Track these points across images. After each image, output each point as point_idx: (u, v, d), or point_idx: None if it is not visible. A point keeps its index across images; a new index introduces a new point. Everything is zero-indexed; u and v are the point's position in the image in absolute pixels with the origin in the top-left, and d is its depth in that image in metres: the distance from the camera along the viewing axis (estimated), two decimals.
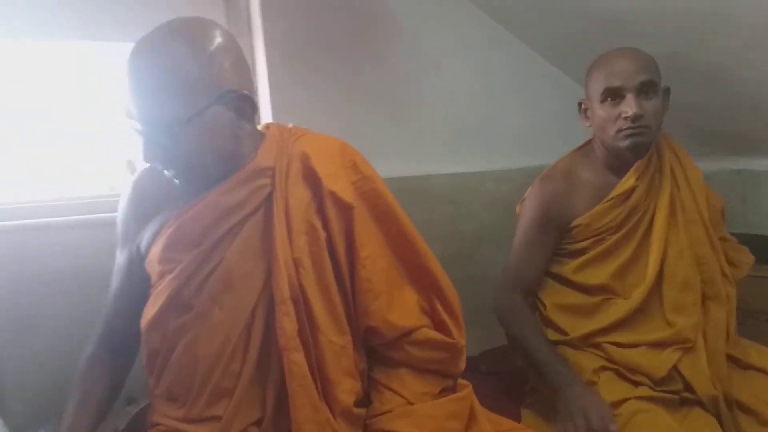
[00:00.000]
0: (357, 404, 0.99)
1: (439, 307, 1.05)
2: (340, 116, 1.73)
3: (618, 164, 1.36)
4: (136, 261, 1.04)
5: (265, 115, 1.69)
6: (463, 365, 1.06)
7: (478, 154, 1.97)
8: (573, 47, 1.89)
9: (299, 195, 0.98)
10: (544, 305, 1.40)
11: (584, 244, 1.37)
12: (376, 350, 1.04)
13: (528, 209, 1.42)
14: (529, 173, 1.57)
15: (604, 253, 1.35)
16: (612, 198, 1.34)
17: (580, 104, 1.41)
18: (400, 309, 1.01)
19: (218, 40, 0.90)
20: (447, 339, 1.03)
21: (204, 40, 0.89)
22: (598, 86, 1.31)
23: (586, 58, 1.39)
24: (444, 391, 1.03)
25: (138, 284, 1.05)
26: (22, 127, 1.53)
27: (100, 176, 1.64)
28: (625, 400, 1.20)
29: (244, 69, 0.95)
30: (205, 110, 0.88)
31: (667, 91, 1.34)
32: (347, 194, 0.99)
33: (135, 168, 1.52)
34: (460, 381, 1.08)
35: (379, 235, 1.03)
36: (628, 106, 1.26)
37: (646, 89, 1.27)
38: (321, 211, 0.99)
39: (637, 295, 1.31)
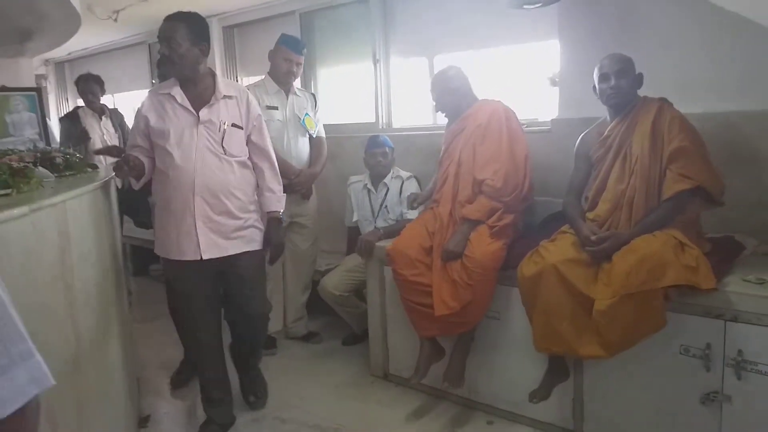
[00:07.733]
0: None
1: (504, 172, 2.47)
2: None
3: (611, 120, 2.26)
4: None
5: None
6: (507, 198, 2.46)
7: None
8: None
9: (468, 128, 2.60)
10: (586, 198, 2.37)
11: (596, 167, 2.32)
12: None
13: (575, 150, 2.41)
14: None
15: (596, 173, 2.30)
16: (597, 143, 2.29)
17: (594, 86, 2.29)
18: (485, 170, 2.50)
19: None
20: (489, 182, 2.46)
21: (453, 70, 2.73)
22: (596, 72, 2.24)
23: None
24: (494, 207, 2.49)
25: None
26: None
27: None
28: None
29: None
30: (459, 87, 2.67)
31: (639, 75, 2.22)
32: (481, 125, 2.56)
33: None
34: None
35: (493, 140, 2.52)
36: (611, 81, 2.18)
37: (622, 73, 2.17)
38: (473, 133, 2.58)
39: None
